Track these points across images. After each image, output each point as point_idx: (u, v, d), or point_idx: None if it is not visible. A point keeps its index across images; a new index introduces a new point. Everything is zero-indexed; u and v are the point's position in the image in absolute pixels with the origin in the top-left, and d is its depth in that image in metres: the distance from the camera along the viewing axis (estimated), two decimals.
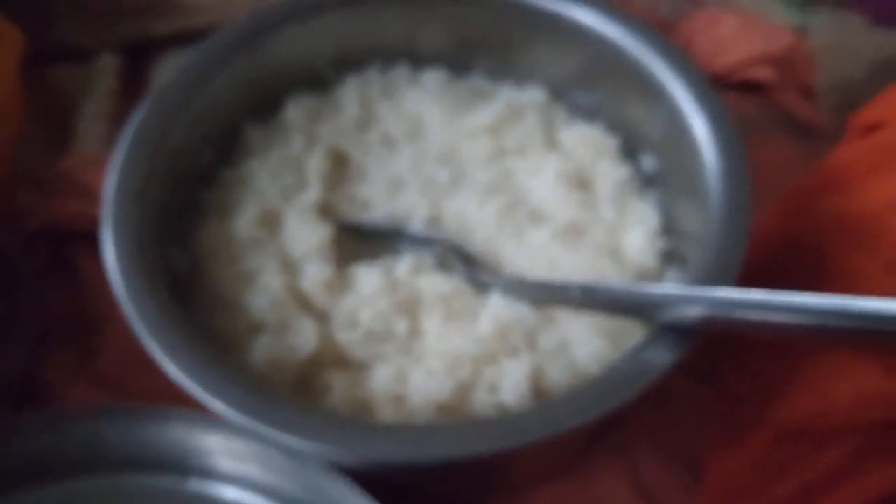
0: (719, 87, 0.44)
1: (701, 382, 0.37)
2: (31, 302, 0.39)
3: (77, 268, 0.41)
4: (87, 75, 0.49)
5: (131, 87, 0.49)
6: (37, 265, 0.41)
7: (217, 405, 0.29)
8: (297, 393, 0.33)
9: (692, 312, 0.29)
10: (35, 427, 0.34)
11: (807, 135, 0.46)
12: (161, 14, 0.51)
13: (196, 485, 0.33)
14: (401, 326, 0.34)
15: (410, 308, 0.35)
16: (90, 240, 0.41)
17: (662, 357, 0.30)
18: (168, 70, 0.49)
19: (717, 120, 0.35)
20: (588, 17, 0.40)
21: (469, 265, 0.36)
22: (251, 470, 0.33)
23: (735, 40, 0.47)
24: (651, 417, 0.36)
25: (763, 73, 0.46)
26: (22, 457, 0.33)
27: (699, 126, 0.36)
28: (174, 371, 0.30)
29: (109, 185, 0.34)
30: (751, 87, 0.47)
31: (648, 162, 0.39)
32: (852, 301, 0.25)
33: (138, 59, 0.50)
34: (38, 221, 0.41)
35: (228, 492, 0.33)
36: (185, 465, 0.33)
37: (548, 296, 0.34)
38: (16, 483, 0.33)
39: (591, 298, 0.32)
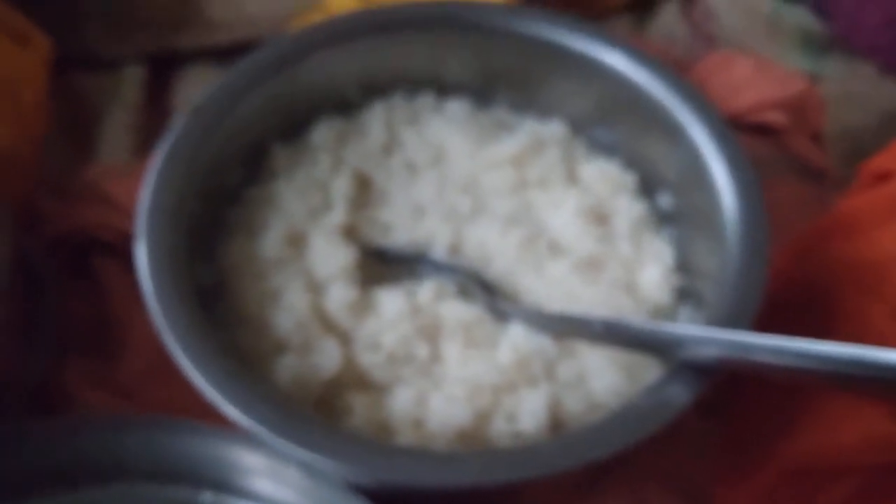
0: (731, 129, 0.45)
1: (709, 416, 0.37)
2: (52, 308, 0.40)
3: (97, 276, 0.41)
4: (112, 85, 0.49)
5: (154, 98, 0.49)
6: (57, 272, 0.41)
7: (245, 421, 0.30)
8: (319, 412, 0.34)
9: (710, 352, 0.30)
10: (54, 434, 0.34)
11: (815, 179, 0.47)
12: (186, 28, 0.51)
13: (209, 498, 0.34)
14: (422, 351, 0.35)
15: (431, 333, 0.36)
16: (112, 249, 0.42)
17: (680, 395, 0.30)
18: (194, 85, 0.49)
19: (736, 163, 0.36)
20: (611, 57, 0.41)
21: (489, 294, 0.37)
22: (266, 486, 0.33)
23: (748, 83, 0.48)
24: (659, 450, 0.37)
25: (775, 117, 0.47)
26: (39, 463, 0.34)
27: (718, 168, 0.37)
28: (204, 386, 0.30)
29: (144, 199, 0.35)
30: (762, 130, 0.48)
31: (665, 200, 0.40)
32: (872, 352, 0.26)
33: (162, 71, 0.50)
34: (60, 229, 0.42)
35: None
36: (200, 478, 0.34)
37: (569, 329, 0.34)
38: (31, 489, 0.34)
39: (612, 334, 0.32)
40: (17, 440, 0.34)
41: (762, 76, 0.48)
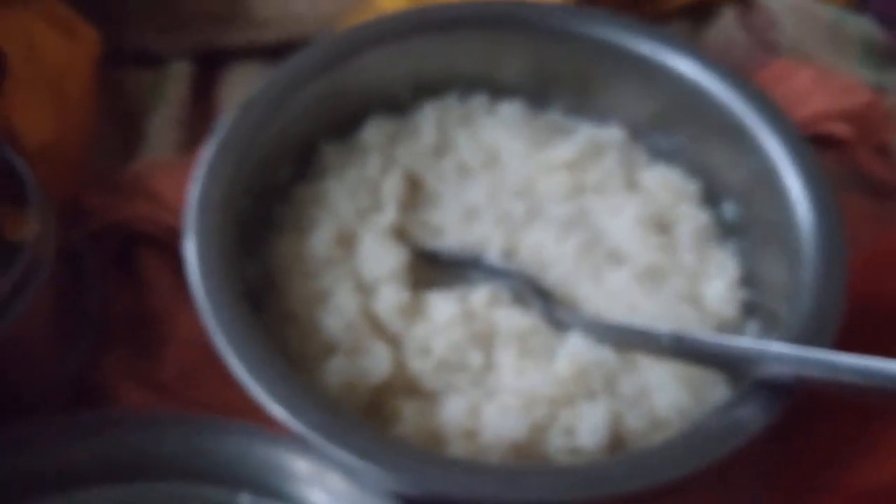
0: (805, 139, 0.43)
1: (772, 439, 0.36)
2: (94, 302, 0.39)
3: (141, 271, 0.41)
4: (158, 80, 0.49)
5: (200, 95, 0.49)
6: (101, 266, 0.41)
7: (294, 424, 0.29)
8: (367, 418, 0.33)
9: (789, 371, 0.28)
10: (92, 428, 0.34)
11: (880, 193, 0.45)
12: (233, 25, 0.51)
13: (247, 500, 0.33)
14: (475, 358, 0.34)
15: (485, 340, 0.34)
16: (156, 244, 0.41)
17: (755, 417, 0.29)
18: (240, 82, 0.49)
19: (812, 174, 0.35)
20: (676, 60, 0.39)
21: (546, 301, 0.35)
22: (307, 491, 0.32)
23: (812, 93, 0.47)
24: (719, 472, 0.35)
25: (839, 129, 0.46)
26: (77, 457, 0.33)
27: (791, 178, 0.35)
28: (253, 387, 0.30)
29: (193, 194, 0.34)
30: (825, 142, 0.46)
31: (729, 210, 0.39)
32: None
33: (208, 67, 0.50)
34: (104, 222, 0.41)
35: None
36: (238, 479, 0.33)
37: (633, 341, 0.33)
38: (69, 483, 0.33)
39: (681, 348, 0.31)
40: (56, 434, 0.33)
41: (825, 86, 0.47)
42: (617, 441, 0.32)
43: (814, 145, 0.46)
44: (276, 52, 0.49)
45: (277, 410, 0.29)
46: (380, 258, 0.36)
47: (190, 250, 0.32)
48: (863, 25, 0.50)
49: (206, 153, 0.35)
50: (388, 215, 0.37)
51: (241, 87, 0.48)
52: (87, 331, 0.38)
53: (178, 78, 0.49)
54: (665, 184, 0.39)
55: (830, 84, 0.47)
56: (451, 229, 0.38)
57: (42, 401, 0.36)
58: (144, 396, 0.37)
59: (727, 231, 0.39)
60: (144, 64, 0.49)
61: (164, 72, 0.49)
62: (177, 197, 0.40)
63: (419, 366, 0.33)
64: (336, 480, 0.31)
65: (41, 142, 0.41)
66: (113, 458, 0.33)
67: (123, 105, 0.48)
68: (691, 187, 0.39)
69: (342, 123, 0.40)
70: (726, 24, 0.51)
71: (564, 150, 0.40)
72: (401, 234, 0.37)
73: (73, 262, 0.39)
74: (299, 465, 0.32)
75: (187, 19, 0.51)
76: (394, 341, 0.34)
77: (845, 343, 0.32)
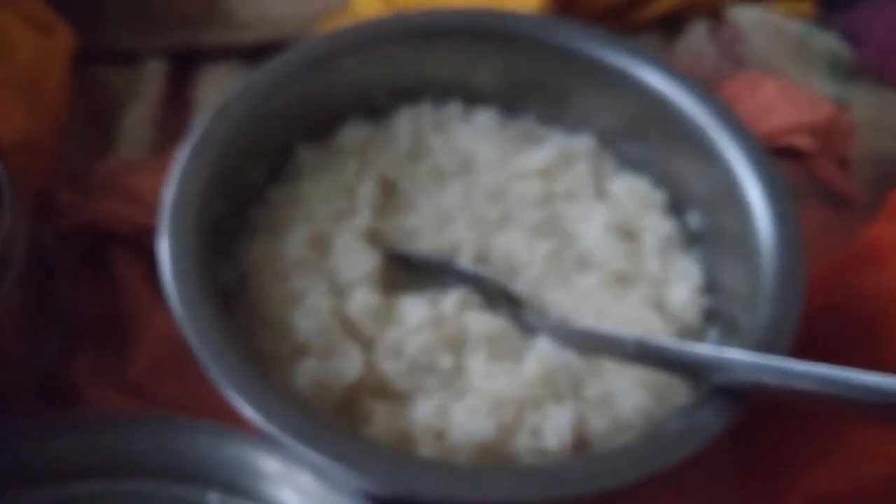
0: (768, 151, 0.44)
1: (733, 442, 0.37)
2: (64, 301, 0.39)
3: (112, 270, 0.41)
4: (133, 79, 0.49)
5: (175, 94, 0.49)
6: (69, 263, 0.41)
7: (265, 425, 0.29)
8: (338, 419, 0.33)
9: (748, 378, 0.29)
10: (61, 429, 0.34)
11: (840, 205, 0.47)
12: (210, 26, 0.51)
13: (216, 499, 0.33)
14: (445, 361, 0.34)
15: (455, 343, 0.35)
16: (128, 243, 0.41)
17: (714, 420, 0.30)
18: (215, 82, 0.49)
19: (773, 187, 0.36)
20: (645, 72, 0.40)
21: (516, 306, 0.36)
22: (276, 490, 0.33)
23: (776, 106, 0.48)
24: (682, 475, 0.36)
25: (802, 141, 0.47)
26: (46, 458, 0.33)
27: (753, 190, 0.36)
28: (225, 387, 0.30)
29: (168, 195, 0.34)
30: (788, 154, 0.48)
31: (694, 219, 0.40)
32: None
33: (183, 67, 0.50)
34: (76, 220, 0.41)
35: None
36: (208, 479, 0.33)
37: (599, 346, 0.34)
38: (37, 483, 0.33)
39: (645, 354, 0.32)
40: (26, 434, 0.33)
41: (790, 99, 0.48)
42: (582, 442, 0.33)
43: (777, 156, 0.47)
44: (252, 53, 0.49)
45: (249, 411, 0.29)
46: (353, 261, 0.36)
47: (164, 251, 0.33)
48: (829, 41, 0.51)
49: (182, 153, 0.35)
50: (363, 219, 0.38)
51: (217, 88, 0.48)
52: (57, 330, 0.38)
53: (153, 77, 0.49)
54: (632, 192, 0.40)
55: (794, 97, 0.48)
56: (425, 233, 0.38)
57: (12, 400, 0.36)
58: (115, 396, 0.37)
59: (691, 239, 0.40)
60: (119, 62, 0.49)
61: (140, 70, 0.49)
62: (150, 196, 0.40)
63: (390, 367, 0.34)
64: (306, 480, 0.32)
65: (13, 138, 0.41)
66: (83, 458, 0.33)
67: (97, 103, 0.48)
68: (658, 196, 0.40)
69: (318, 126, 0.41)
70: (696, 37, 0.52)
71: (537, 157, 0.40)
72: (375, 237, 0.38)
73: (43, 261, 0.39)
74: (270, 465, 0.32)
75: (164, 19, 0.51)
76: (366, 343, 0.35)
77: (802, 351, 0.33)
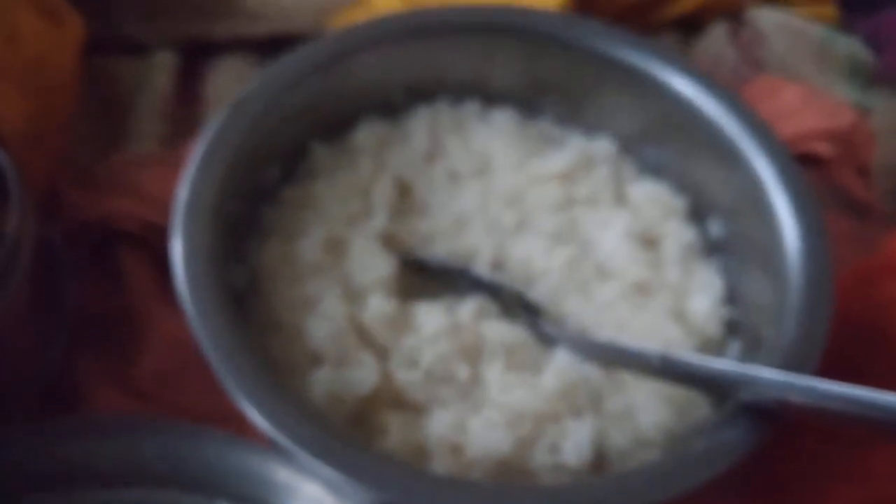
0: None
1: (750, 460, 0.36)
2: (69, 301, 0.39)
3: (120, 269, 0.40)
4: (142, 70, 0.48)
5: (185, 87, 0.48)
6: (75, 261, 0.40)
7: (277, 436, 0.29)
8: (352, 430, 0.33)
9: (773, 396, 0.29)
10: (66, 434, 0.33)
11: (859, 213, 0.46)
12: (221, 17, 0.50)
13: None
14: (461, 371, 0.34)
15: (472, 353, 0.34)
16: (136, 241, 0.40)
17: (741, 439, 0.29)
18: (226, 75, 0.48)
19: (800, 195, 0.35)
20: (668, 74, 0.39)
21: (534, 315, 0.35)
22: (285, 500, 0.32)
23: (797, 112, 0.47)
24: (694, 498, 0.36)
25: (822, 148, 0.46)
26: (50, 463, 0.33)
27: (779, 199, 0.35)
28: (238, 395, 0.29)
29: (182, 194, 0.33)
30: (807, 161, 0.47)
31: (715, 227, 0.39)
32: None
33: (193, 59, 0.49)
34: (83, 217, 0.40)
35: None
36: (216, 487, 0.33)
37: (620, 359, 0.33)
38: (41, 488, 0.33)
39: (668, 369, 0.31)
40: (31, 439, 0.33)
41: (810, 105, 0.47)
42: (601, 459, 0.32)
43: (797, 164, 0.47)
44: (264, 46, 0.49)
45: (261, 421, 0.29)
46: (369, 266, 0.35)
47: (177, 253, 0.32)
48: (851, 46, 0.50)
49: (195, 152, 0.34)
50: (379, 221, 0.37)
51: (227, 81, 0.47)
52: (63, 330, 0.38)
53: (163, 69, 0.48)
54: (653, 199, 0.39)
55: (815, 103, 0.47)
56: (440, 238, 0.37)
57: (16, 401, 0.35)
58: (121, 399, 0.36)
59: (712, 248, 0.39)
60: (129, 53, 0.48)
61: (149, 62, 0.48)
62: (159, 193, 0.40)
63: (406, 377, 0.33)
64: (316, 491, 0.31)
65: (20, 130, 0.40)
66: (89, 464, 0.33)
67: (106, 94, 0.47)
68: (679, 203, 0.39)
69: (333, 125, 0.40)
70: (716, 39, 0.51)
71: (556, 161, 0.39)
72: (389, 240, 0.37)
73: (49, 258, 0.38)
74: (280, 475, 0.32)
75: (174, 9, 0.49)
76: (381, 352, 0.34)
77: (823, 365, 0.32)
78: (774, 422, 0.30)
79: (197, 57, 0.49)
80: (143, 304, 0.38)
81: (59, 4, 0.44)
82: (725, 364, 0.30)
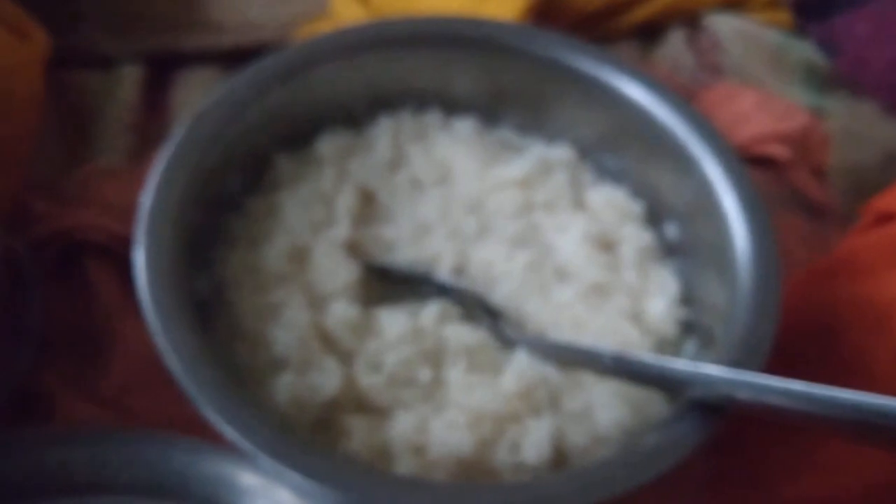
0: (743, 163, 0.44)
1: (709, 454, 0.37)
2: (36, 311, 0.39)
3: (86, 280, 0.40)
4: (109, 83, 0.48)
5: (151, 99, 0.48)
6: (41, 272, 0.40)
7: (242, 442, 0.29)
8: (316, 434, 0.33)
9: (722, 392, 0.30)
10: (35, 443, 0.34)
11: (815, 214, 0.47)
12: (188, 30, 0.50)
13: None
14: (424, 374, 0.34)
15: (434, 356, 0.35)
16: (101, 252, 0.40)
17: (691, 434, 0.30)
18: (193, 87, 0.49)
19: (749, 198, 0.36)
20: (623, 83, 0.40)
21: (494, 319, 0.36)
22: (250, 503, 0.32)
23: (753, 116, 0.48)
24: (658, 487, 0.37)
25: (778, 151, 0.47)
26: (19, 473, 0.33)
27: (730, 202, 0.36)
28: (201, 403, 0.30)
29: (145, 204, 0.34)
30: (764, 163, 0.48)
31: (670, 230, 0.40)
32: None
33: (160, 71, 0.49)
34: (49, 229, 0.40)
35: None
36: (185, 494, 0.33)
37: (576, 359, 0.34)
38: (11, 498, 0.33)
39: (621, 368, 0.32)
40: None
41: (766, 109, 0.48)
42: (560, 457, 0.33)
43: (752, 165, 0.48)
44: (230, 57, 0.49)
45: (224, 428, 0.29)
46: (332, 273, 0.36)
47: (139, 263, 0.32)
48: (806, 51, 0.51)
49: (159, 163, 0.35)
50: (342, 230, 0.38)
51: (194, 93, 0.48)
52: (28, 341, 0.38)
53: (129, 81, 0.48)
54: (610, 203, 0.40)
55: (771, 107, 0.48)
56: (403, 244, 0.38)
57: None
58: (89, 409, 0.37)
59: (669, 251, 0.40)
60: (95, 66, 0.48)
61: (116, 74, 0.48)
62: (124, 204, 0.40)
63: (369, 381, 0.34)
64: (284, 495, 0.32)
65: None
66: (58, 473, 0.33)
67: (72, 107, 0.47)
68: (635, 207, 0.40)
69: (296, 135, 0.40)
70: (674, 46, 0.52)
71: (515, 167, 0.40)
72: (354, 248, 0.38)
73: (13, 270, 0.38)
74: (247, 480, 0.32)
75: (140, 21, 0.50)
76: (344, 357, 0.35)
77: (774, 359, 0.33)
78: (724, 418, 0.31)
79: (163, 68, 0.49)
80: (111, 314, 0.39)
81: (23, 19, 0.45)
82: (673, 363, 0.31)
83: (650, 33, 0.53)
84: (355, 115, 0.41)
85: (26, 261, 0.39)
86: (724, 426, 0.31)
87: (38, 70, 0.44)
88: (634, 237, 0.39)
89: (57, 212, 0.40)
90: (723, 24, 0.52)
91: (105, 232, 0.40)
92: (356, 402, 0.34)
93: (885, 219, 0.42)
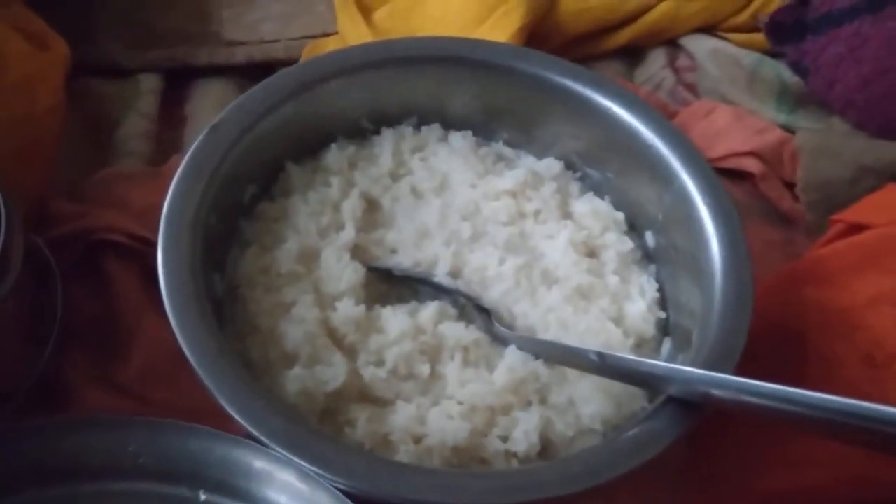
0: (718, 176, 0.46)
1: (686, 448, 0.39)
2: (58, 307, 0.40)
3: (105, 277, 0.42)
4: (128, 92, 0.50)
5: (168, 108, 0.50)
6: (64, 269, 0.42)
7: (254, 432, 0.32)
8: (323, 423, 0.36)
9: (698, 390, 0.32)
10: (56, 432, 0.35)
11: (785, 224, 0.49)
12: (202, 44, 0.52)
13: (207, 497, 0.35)
14: (423, 369, 0.37)
15: (432, 352, 0.38)
16: (121, 250, 0.42)
17: (670, 428, 0.33)
18: (208, 97, 0.50)
19: (723, 210, 0.39)
20: (607, 101, 0.43)
21: (488, 318, 0.39)
22: (264, 489, 0.34)
23: (727, 131, 0.51)
24: (636, 480, 0.39)
25: (750, 164, 0.50)
26: (40, 459, 0.35)
27: (705, 213, 0.39)
28: (217, 395, 0.32)
29: (166, 209, 0.36)
30: (738, 176, 0.50)
31: (650, 238, 0.43)
32: (873, 406, 0.27)
33: (176, 82, 0.51)
34: (71, 228, 0.42)
35: None
36: (199, 479, 0.35)
37: (563, 357, 0.37)
38: (30, 484, 0.35)
39: (604, 366, 0.34)
40: (18, 437, 0.35)
41: (740, 126, 0.51)
42: (546, 446, 0.36)
43: (727, 178, 0.50)
44: (244, 70, 0.51)
45: (238, 417, 0.32)
46: (339, 274, 0.39)
47: (161, 263, 0.35)
48: (779, 70, 0.54)
49: (179, 171, 0.38)
50: (348, 234, 0.40)
51: (208, 104, 0.50)
52: (52, 334, 0.39)
53: (147, 90, 0.50)
54: (595, 213, 0.43)
55: (745, 124, 0.51)
56: (404, 248, 0.41)
57: (6, 402, 0.37)
58: (107, 399, 0.39)
59: (648, 257, 0.43)
60: (114, 74, 0.50)
61: (134, 83, 0.50)
62: (142, 206, 0.43)
63: (372, 374, 0.37)
64: (293, 480, 0.33)
65: (9, 149, 0.42)
66: (78, 460, 0.35)
67: (93, 114, 0.49)
68: (618, 217, 0.43)
69: (306, 146, 0.43)
70: (656, 66, 0.55)
71: (508, 179, 0.43)
72: (358, 252, 0.40)
73: (37, 266, 0.40)
74: (258, 466, 0.34)
75: (157, 36, 0.52)
76: (350, 352, 0.37)
77: (747, 361, 0.35)
78: (700, 413, 0.33)
79: (180, 80, 0.51)
80: (128, 309, 0.41)
81: (45, 31, 0.47)
82: (655, 362, 0.34)
83: (632, 54, 0.55)
84: (361, 129, 0.44)
85: (50, 258, 0.41)
86: (700, 421, 0.33)
87: (59, 79, 0.46)
88: (616, 244, 0.42)
89: (79, 212, 0.43)
90: (700, 46, 0.55)
91: (124, 231, 0.42)
92: (360, 394, 0.37)
93: (853, 230, 0.44)
